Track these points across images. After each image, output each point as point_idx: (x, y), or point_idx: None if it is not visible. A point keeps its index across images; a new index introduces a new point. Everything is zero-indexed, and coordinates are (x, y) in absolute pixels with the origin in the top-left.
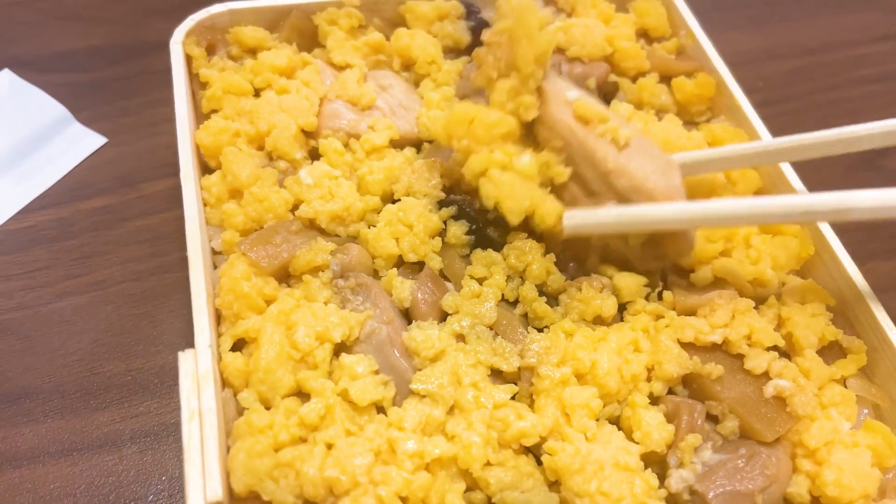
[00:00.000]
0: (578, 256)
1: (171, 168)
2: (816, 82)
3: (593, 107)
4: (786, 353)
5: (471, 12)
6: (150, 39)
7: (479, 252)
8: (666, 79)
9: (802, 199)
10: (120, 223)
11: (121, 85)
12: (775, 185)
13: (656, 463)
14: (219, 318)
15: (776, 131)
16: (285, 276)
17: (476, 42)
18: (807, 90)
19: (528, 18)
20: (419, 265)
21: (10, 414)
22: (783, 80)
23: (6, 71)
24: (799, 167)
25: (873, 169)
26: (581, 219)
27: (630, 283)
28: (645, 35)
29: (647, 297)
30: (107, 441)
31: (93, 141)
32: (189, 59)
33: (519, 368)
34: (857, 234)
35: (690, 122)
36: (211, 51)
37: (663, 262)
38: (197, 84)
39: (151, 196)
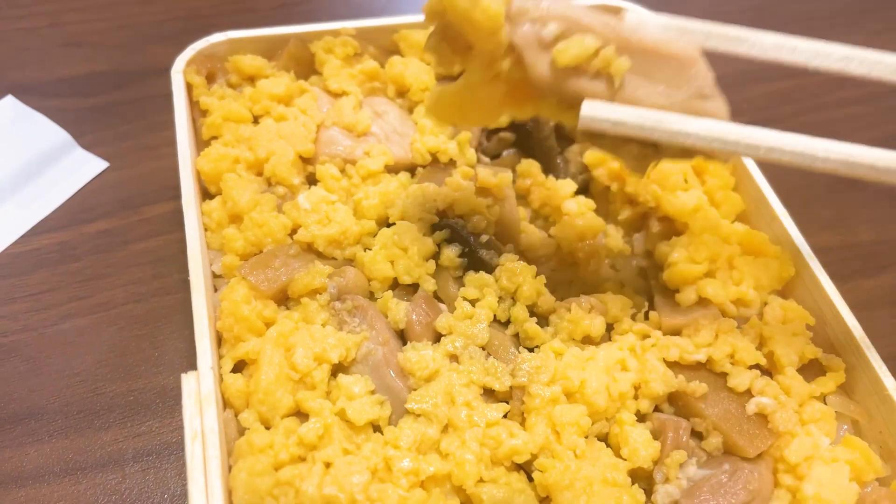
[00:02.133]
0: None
1: (172, 191)
2: (801, 104)
3: (574, 49)
4: (767, 371)
5: None
6: (150, 65)
7: (471, 274)
8: None
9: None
10: (122, 246)
11: (122, 110)
12: (759, 208)
13: (643, 478)
14: (220, 340)
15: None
16: (284, 299)
17: None
18: (791, 112)
19: (456, 2)
20: (414, 287)
21: (16, 434)
22: (767, 102)
23: (9, 97)
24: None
25: (857, 190)
26: (601, 111)
27: (617, 303)
28: None
29: (633, 317)
30: (110, 460)
31: (95, 165)
32: (190, 87)
33: (510, 387)
34: (840, 252)
35: None
36: (211, 79)
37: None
38: (197, 111)
39: (152, 219)
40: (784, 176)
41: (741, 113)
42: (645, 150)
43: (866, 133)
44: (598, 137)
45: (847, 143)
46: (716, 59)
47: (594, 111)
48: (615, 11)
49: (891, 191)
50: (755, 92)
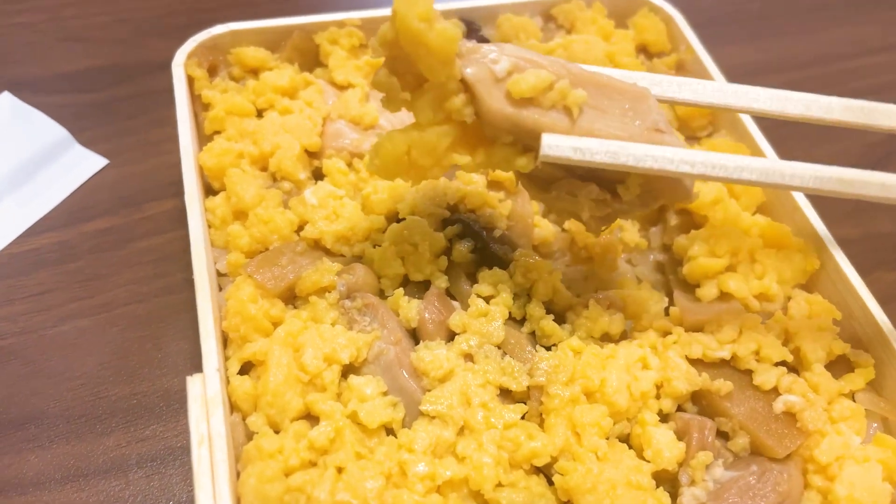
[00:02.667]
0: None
1: (174, 188)
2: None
3: (530, 78)
4: (794, 368)
5: (472, 30)
6: (151, 59)
7: (485, 270)
8: None
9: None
10: (123, 244)
11: (123, 105)
12: (779, 199)
13: (668, 481)
14: (225, 341)
15: (774, 143)
16: (292, 298)
17: None
18: None
19: (410, 22)
20: (425, 284)
21: (16, 440)
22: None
23: (6, 94)
24: None
25: None
26: (563, 140)
27: (636, 299)
28: (645, 50)
29: (653, 314)
30: (113, 466)
31: (94, 162)
32: (191, 81)
33: (528, 387)
34: (862, 243)
35: (692, 137)
36: (213, 72)
37: (653, 205)
38: (199, 105)
39: (154, 217)
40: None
41: None
42: (603, 195)
43: (861, 138)
44: (553, 186)
45: (812, 163)
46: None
47: (555, 140)
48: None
49: None
50: (765, 83)
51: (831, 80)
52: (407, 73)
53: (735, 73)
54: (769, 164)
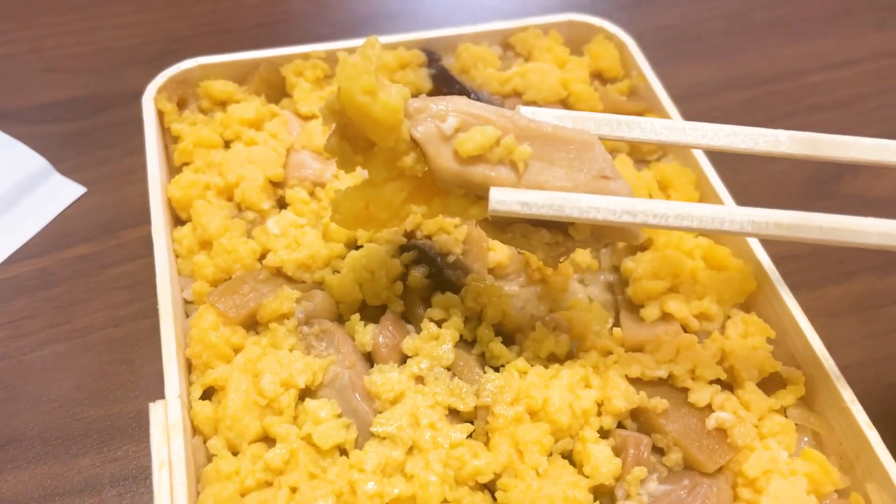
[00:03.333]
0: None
1: (148, 215)
2: (771, 111)
3: (476, 137)
4: (729, 386)
5: (432, 60)
6: (128, 89)
7: (438, 295)
8: None
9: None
10: (100, 270)
11: (100, 135)
12: None
13: (606, 495)
14: (190, 367)
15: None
16: (253, 325)
17: (436, 91)
18: (762, 119)
19: (354, 96)
20: (382, 309)
21: None
22: (739, 109)
23: None
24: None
25: (828, 195)
26: (510, 194)
27: (581, 321)
28: (599, 76)
29: (598, 334)
30: (87, 485)
31: (73, 191)
32: (161, 114)
33: (475, 408)
34: (808, 259)
35: (642, 161)
36: (182, 104)
37: (605, 241)
38: (169, 138)
39: (130, 243)
40: (754, 183)
41: (713, 121)
42: (555, 238)
43: None
44: (509, 228)
45: (752, 207)
46: (688, 69)
47: (503, 195)
48: (511, 107)
49: (862, 197)
50: (726, 100)
51: (791, 96)
52: (357, 137)
53: (696, 91)
54: (709, 212)
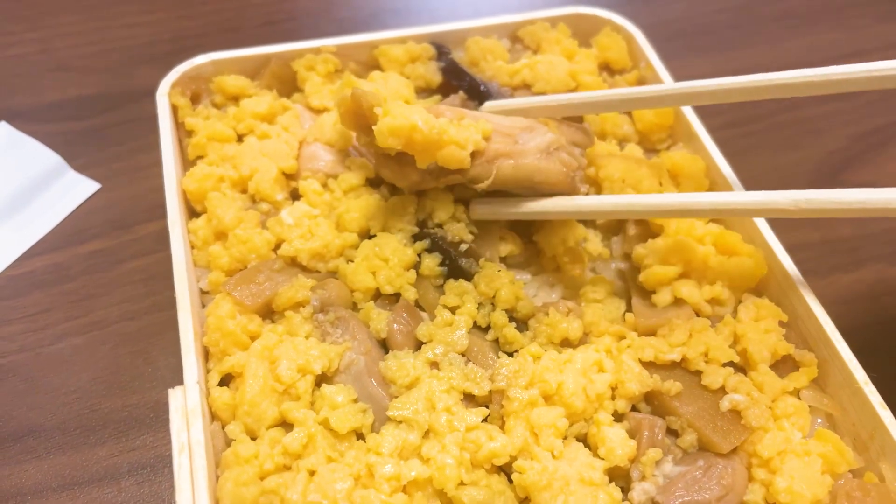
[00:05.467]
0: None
1: (162, 210)
2: (779, 103)
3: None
4: (741, 369)
5: (441, 53)
6: (139, 87)
7: (451, 282)
8: (627, 110)
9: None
10: (114, 265)
11: (113, 132)
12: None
13: (621, 477)
14: (207, 354)
15: (740, 151)
16: (269, 313)
17: (446, 84)
18: (770, 111)
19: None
20: (395, 297)
21: (15, 452)
22: (748, 101)
23: (2, 123)
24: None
25: (837, 184)
26: (490, 207)
27: (594, 306)
28: (607, 68)
29: (610, 319)
30: (106, 475)
31: (87, 187)
32: (175, 109)
33: (490, 392)
34: (820, 247)
35: (652, 150)
36: (196, 100)
37: None
38: (183, 132)
39: (144, 238)
40: (764, 175)
41: (720, 113)
42: None
43: (844, 130)
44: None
45: (721, 192)
46: (696, 61)
47: (483, 207)
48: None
49: (869, 183)
50: None
51: None
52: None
53: None
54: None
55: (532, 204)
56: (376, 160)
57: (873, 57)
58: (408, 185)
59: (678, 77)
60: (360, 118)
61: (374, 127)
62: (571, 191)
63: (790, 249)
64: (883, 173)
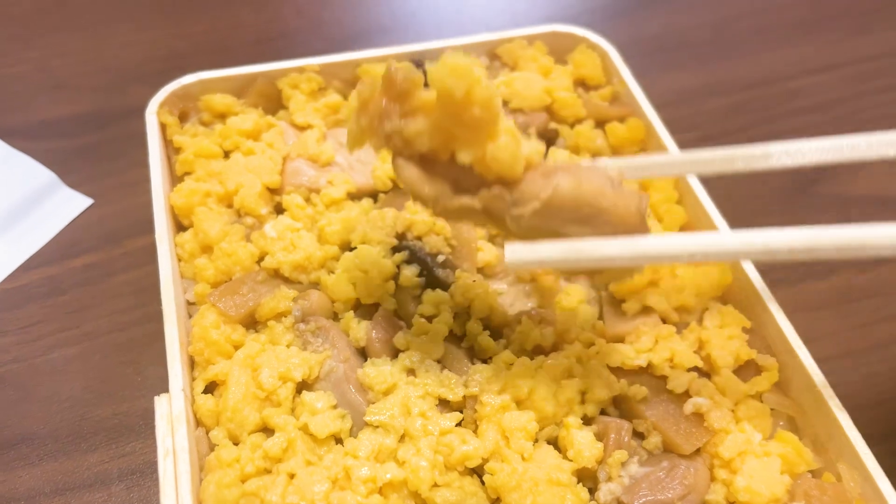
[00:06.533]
0: None
1: (152, 225)
2: (754, 115)
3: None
4: (706, 373)
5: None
6: (132, 105)
7: (429, 292)
8: (601, 124)
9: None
10: (106, 278)
11: (105, 149)
12: (699, 220)
13: (589, 478)
14: (193, 363)
15: None
16: (252, 323)
17: None
18: (746, 123)
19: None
20: (375, 307)
21: (9, 458)
22: (723, 114)
23: None
24: (734, 196)
25: (809, 195)
26: (532, 250)
27: (565, 314)
28: (583, 84)
29: (581, 327)
30: (97, 480)
31: (80, 202)
32: (164, 127)
33: (464, 397)
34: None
35: None
36: (184, 117)
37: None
38: (171, 149)
39: (134, 252)
40: (736, 186)
41: (697, 126)
42: None
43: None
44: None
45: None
46: (674, 76)
47: (517, 254)
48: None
49: (840, 196)
50: (711, 105)
51: (774, 101)
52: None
53: (682, 97)
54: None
55: (588, 246)
56: (397, 163)
57: (844, 70)
58: (433, 194)
59: (648, 93)
60: (394, 98)
61: (428, 70)
62: (640, 227)
63: None
64: (853, 185)
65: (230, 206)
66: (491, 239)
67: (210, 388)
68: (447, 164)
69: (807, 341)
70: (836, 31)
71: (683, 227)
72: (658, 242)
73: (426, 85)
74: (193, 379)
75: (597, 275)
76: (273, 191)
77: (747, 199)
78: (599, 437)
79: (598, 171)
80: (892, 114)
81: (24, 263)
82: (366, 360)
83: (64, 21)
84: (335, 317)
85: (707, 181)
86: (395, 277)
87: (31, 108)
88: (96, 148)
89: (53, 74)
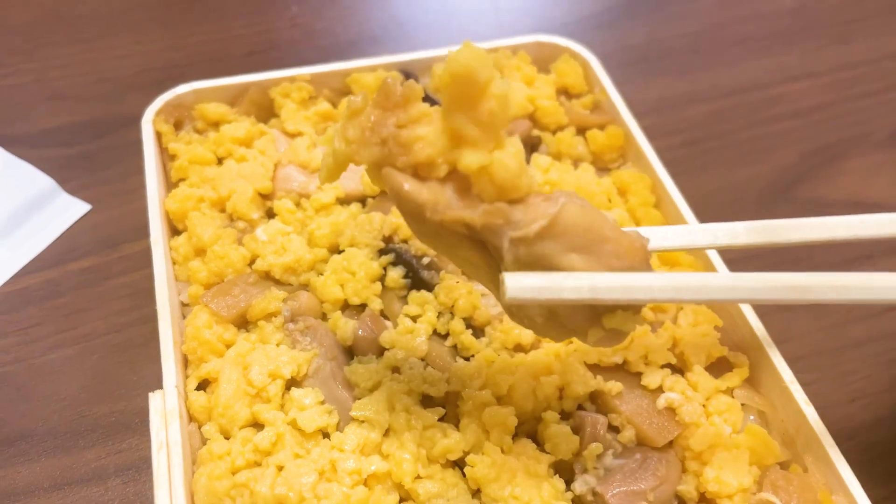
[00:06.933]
0: None
1: (148, 230)
2: (736, 122)
3: None
4: (679, 370)
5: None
6: (128, 114)
7: (414, 293)
8: (582, 131)
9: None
10: (103, 281)
11: (103, 156)
12: (675, 223)
13: (566, 470)
14: (186, 361)
15: (698, 168)
16: (244, 323)
17: None
18: (727, 129)
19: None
20: (362, 307)
21: (9, 455)
22: (705, 121)
23: None
24: (712, 200)
25: (787, 199)
26: (533, 282)
27: None
28: (565, 92)
29: None
30: (94, 475)
31: (78, 208)
32: (159, 135)
33: (446, 393)
34: (769, 258)
35: (604, 170)
36: (178, 126)
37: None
38: (167, 156)
39: (131, 256)
40: (719, 190)
41: (679, 132)
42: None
43: (797, 146)
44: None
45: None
46: (658, 83)
47: (519, 283)
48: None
49: (820, 197)
50: (693, 111)
51: (754, 107)
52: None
53: (665, 104)
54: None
55: (597, 279)
56: (387, 171)
57: (823, 77)
58: (431, 198)
59: (634, 100)
60: (391, 108)
61: (450, 54)
62: (642, 264)
63: (740, 262)
64: (832, 187)
65: (223, 210)
66: (474, 245)
67: (203, 385)
68: (442, 182)
69: (781, 341)
70: (815, 40)
71: None
72: (674, 279)
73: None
74: (187, 376)
75: (592, 329)
76: (265, 196)
77: (726, 204)
78: (576, 430)
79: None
80: (869, 119)
81: (23, 267)
82: (352, 358)
83: (62, 33)
84: (324, 317)
85: (684, 185)
86: (382, 279)
87: (31, 118)
88: (94, 156)
89: (52, 85)
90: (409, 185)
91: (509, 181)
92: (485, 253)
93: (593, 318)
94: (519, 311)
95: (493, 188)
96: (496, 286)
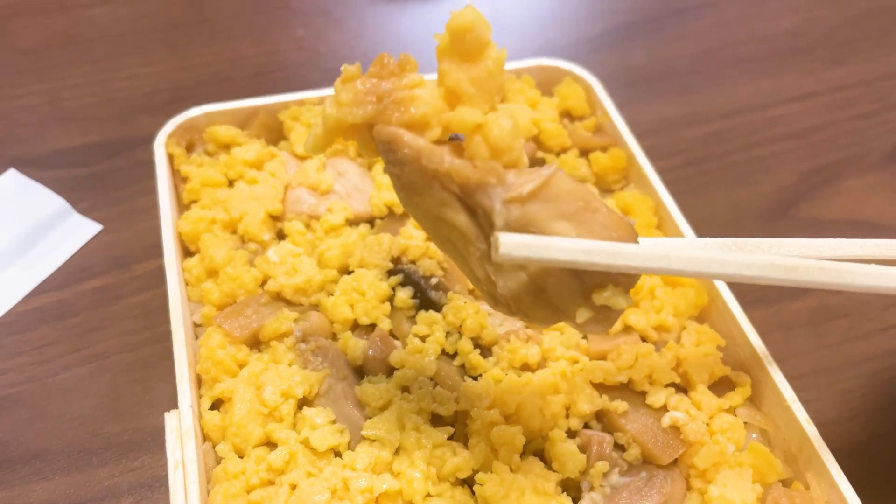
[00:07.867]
0: None
1: (159, 250)
2: (734, 142)
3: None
4: (683, 389)
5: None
6: (139, 135)
7: (422, 313)
8: (585, 153)
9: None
10: (115, 301)
11: (114, 177)
12: None
13: (573, 488)
14: (200, 381)
15: (698, 188)
16: (256, 343)
17: None
18: (726, 150)
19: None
20: (372, 327)
21: (24, 473)
22: (704, 141)
23: (12, 170)
24: (712, 220)
25: (786, 218)
26: (526, 243)
27: (552, 332)
28: (568, 115)
29: (565, 345)
30: (107, 493)
31: (90, 228)
32: (171, 157)
33: (455, 412)
34: None
35: (608, 191)
36: (190, 148)
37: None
38: (178, 178)
39: (143, 275)
40: (720, 209)
41: (678, 153)
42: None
43: (796, 166)
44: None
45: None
46: (658, 104)
47: (513, 241)
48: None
49: (817, 217)
50: (693, 133)
51: (752, 128)
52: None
53: (664, 126)
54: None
55: (590, 244)
56: (379, 128)
57: (819, 99)
58: (426, 146)
59: (633, 121)
60: (386, 77)
61: (452, 12)
62: (631, 239)
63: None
64: (828, 207)
65: (235, 232)
66: None
67: (216, 405)
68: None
69: (782, 359)
70: (812, 62)
71: None
72: (665, 247)
73: None
74: (200, 396)
75: (581, 308)
76: (275, 218)
77: (725, 223)
78: (583, 449)
79: None
80: (865, 140)
81: (36, 287)
82: (363, 377)
83: (72, 55)
84: (334, 337)
85: (684, 205)
86: (391, 299)
87: (43, 139)
88: (105, 176)
89: (63, 106)
90: (408, 135)
91: (504, 141)
92: (473, 221)
93: (583, 294)
94: (507, 292)
95: (486, 149)
96: (482, 264)
